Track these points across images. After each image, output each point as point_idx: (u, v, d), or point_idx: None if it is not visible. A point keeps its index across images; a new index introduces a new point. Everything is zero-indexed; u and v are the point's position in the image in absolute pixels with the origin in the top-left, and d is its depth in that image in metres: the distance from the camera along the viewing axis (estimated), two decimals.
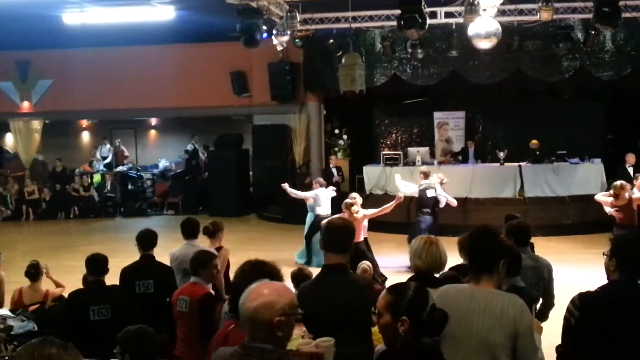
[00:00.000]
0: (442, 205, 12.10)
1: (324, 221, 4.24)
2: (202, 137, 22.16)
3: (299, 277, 6.53)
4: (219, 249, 7.40)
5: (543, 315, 5.71)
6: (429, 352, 3.09)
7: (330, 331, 3.87)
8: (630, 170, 14.47)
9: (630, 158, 14.58)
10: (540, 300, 5.68)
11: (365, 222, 10.11)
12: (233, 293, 3.99)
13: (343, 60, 12.53)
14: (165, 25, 16.61)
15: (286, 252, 13.40)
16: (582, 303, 3.77)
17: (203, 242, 7.41)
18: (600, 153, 16.96)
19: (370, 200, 16.20)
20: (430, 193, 11.93)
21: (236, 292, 3.43)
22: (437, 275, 4.48)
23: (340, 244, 4.17)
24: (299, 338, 5.26)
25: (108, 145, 22.63)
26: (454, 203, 12.28)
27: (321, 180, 13.04)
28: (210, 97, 18.91)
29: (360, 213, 9.84)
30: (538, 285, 5.57)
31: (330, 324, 3.83)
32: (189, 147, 21.73)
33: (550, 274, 5.82)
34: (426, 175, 12.12)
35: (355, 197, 10.07)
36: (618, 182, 10.41)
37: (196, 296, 5.29)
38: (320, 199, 12.38)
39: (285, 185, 12.84)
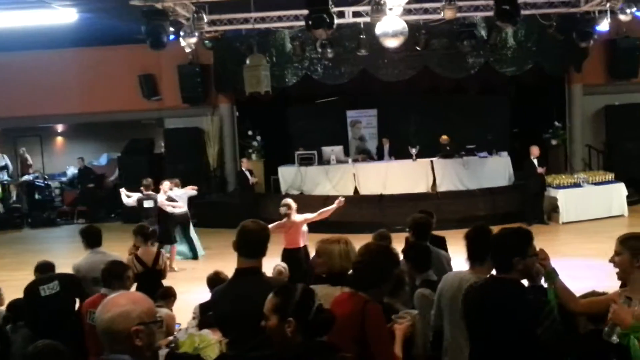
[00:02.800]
0: (173, 210, 12.79)
1: (240, 224, 4.18)
2: (111, 143, 21.62)
3: (215, 281, 6.47)
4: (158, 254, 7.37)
5: None
6: (317, 352, 3.08)
7: (244, 335, 3.85)
8: (535, 161, 15.02)
9: (535, 150, 15.11)
10: None
11: (305, 228, 9.56)
12: None
13: (247, 62, 12.45)
14: (68, 29, 16.04)
15: (202, 255, 13.28)
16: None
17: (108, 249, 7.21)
18: (507, 146, 17.51)
19: None
20: (147, 204, 12.49)
21: None
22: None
23: (253, 247, 4.14)
24: (217, 344, 5.22)
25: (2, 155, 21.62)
26: (180, 210, 13.05)
27: (176, 180, 13.73)
28: (119, 102, 18.45)
29: (301, 217, 9.43)
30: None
31: (245, 328, 3.81)
32: (72, 169, 21.20)
33: (450, 265, 6.03)
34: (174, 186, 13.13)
35: (290, 203, 9.59)
36: None
37: None
38: (174, 198, 13.08)
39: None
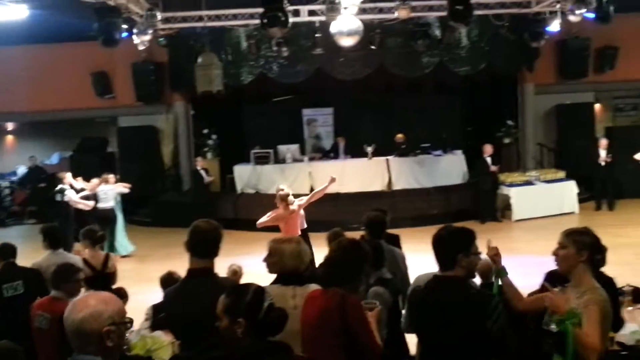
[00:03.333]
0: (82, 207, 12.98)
1: (192, 224, 4.14)
2: (64, 141, 21.22)
3: (168, 281, 6.39)
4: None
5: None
6: (267, 352, 3.08)
7: (197, 336, 3.82)
8: (488, 160, 15.22)
9: (488, 148, 15.32)
10: None
11: (302, 211, 9.41)
12: None
13: (199, 61, 12.36)
14: (19, 26, 15.68)
15: (156, 256, 13.13)
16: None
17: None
18: (461, 145, 17.73)
19: (242, 199, 16.18)
20: (57, 197, 12.86)
21: None
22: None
23: (206, 248, 4.11)
24: (169, 345, 5.16)
25: None
26: (86, 206, 13.17)
27: (108, 176, 13.78)
28: (70, 100, 18.12)
29: (295, 204, 9.23)
30: (395, 275, 5.76)
31: (197, 329, 3.78)
32: (23, 169, 20.85)
33: (404, 264, 6.07)
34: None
35: (284, 189, 9.42)
36: None
37: (58, 313, 5.01)
38: (100, 193, 13.39)
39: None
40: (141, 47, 13.60)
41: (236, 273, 7.61)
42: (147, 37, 12.98)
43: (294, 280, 4.22)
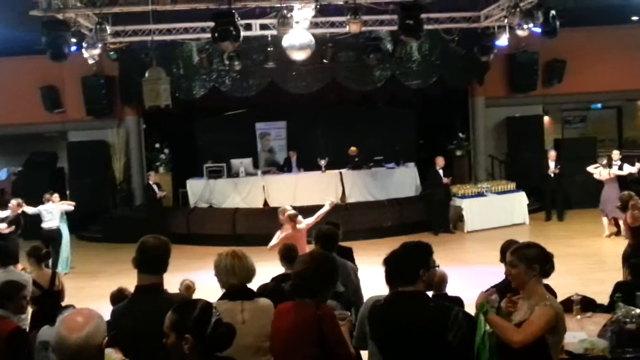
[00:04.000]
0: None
1: (140, 240, 4.07)
2: (12, 157, 20.77)
3: (118, 298, 6.27)
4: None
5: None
6: None
7: (146, 354, 3.74)
8: (441, 172, 15.38)
9: (440, 161, 15.47)
10: None
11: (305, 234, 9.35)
12: None
13: (147, 75, 12.22)
14: None
15: (107, 272, 12.92)
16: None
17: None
18: (414, 157, 17.89)
19: (195, 214, 16.03)
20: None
21: None
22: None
23: (154, 264, 4.05)
24: None
25: None
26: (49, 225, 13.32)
27: (49, 196, 13.54)
28: (18, 114, 17.75)
29: (303, 223, 9.24)
30: (347, 288, 5.77)
31: (146, 346, 3.71)
32: None
33: (356, 276, 6.07)
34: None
35: (295, 212, 9.43)
36: None
37: (3, 333, 4.88)
38: (44, 213, 13.27)
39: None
40: (91, 61, 13.40)
41: (189, 288, 7.52)
42: (97, 51, 12.80)
43: (242, 295, 4.17)
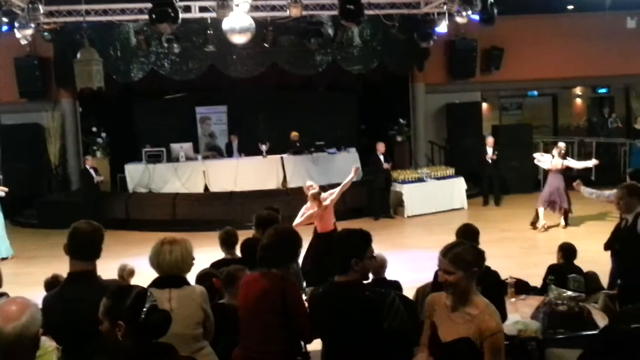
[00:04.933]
0: None
1: (72, 226, 3.97)
2: None
3: (53, 285, 6.14)
4: None
5: None
6: (147, 354, 3.03)
7: (79, 341, 3.66)
8: (381, 157, 15.46)
9: (380, 147, 15.54)
10: None
11: (332, 207, 9.19)
12: None
13: (78, 56, 11.92)
14: None
15: (42, 258, 12.60)
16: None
17: None
18: (355, 142, 17.96)
19: (134, 199, 15.76)
20: None
21: None
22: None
23: (86, 250, 3.95)
24: (54, 351, 4.93)
25: None
26: None
27: None
28: None
29: (328, 199, 9.02)
30: None
31: (78, 334, 3.64)
32: None
33: (297, 261, 6.08)
34: None
35: (312, 184, 9.31)
36: None
37: None
38: None
39: None
40: (24, 42, 12.99)
41: (133, 273, 7.47)
42: (30, 32, 12.40)
43: (170, 283, 4.12)
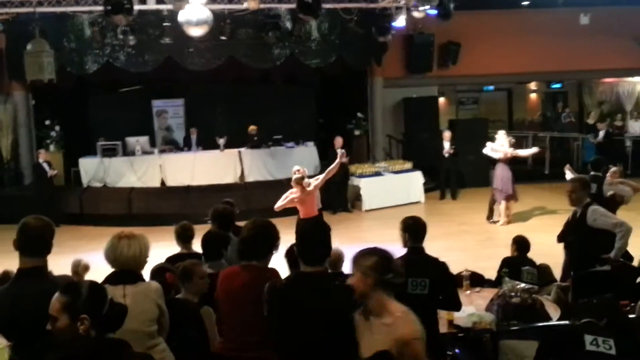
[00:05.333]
0: None
1: (21, 221, 3.89)
2: None
3: (3, 282, 6.00)
4: None
5: None
6: (110, 348, 3.00)
7: (28, 338, 3.59)
8: (339, 152, 15.41)
9: (338, 141, 15.54)
10: None
11: (317, 192, 9.43)
12: None
13: (28, 47, 11.68)
14: None
15: None
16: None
17: None
18: (313, 136, 17.95)
19: (89, 194, 15.53)
20: None
21: None
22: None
23: (36, 246, 3.87)
24: (5, 348, 4.82)
25: None
26: None
27: None
28: None
29: (312, 185, 9.25)
30: None
31: (28, 331, 3.57)
32: None
33: None
34: None
35: (300, 169, 9.41)
36: None
37: None
38: None
39: None
40: None
41: (88, 269, 7.37)
42: None
43: (124, 278, 4.06)
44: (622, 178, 9.81)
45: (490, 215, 13.60)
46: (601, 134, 18.93)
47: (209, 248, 5.47)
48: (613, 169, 9.70)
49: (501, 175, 13.18)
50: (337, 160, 9.87)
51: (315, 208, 9.29)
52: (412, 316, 3.44)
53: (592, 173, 9.66)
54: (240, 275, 4.27)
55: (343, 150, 10.68)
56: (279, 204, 9.17)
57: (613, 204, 8.84)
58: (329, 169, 9.69)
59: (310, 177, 9.76)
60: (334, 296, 3.77)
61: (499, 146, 13.35)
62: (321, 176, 9.54)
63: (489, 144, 13.68)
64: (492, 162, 13.71)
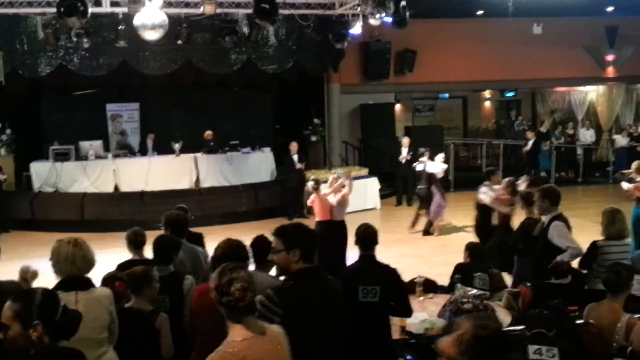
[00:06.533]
0: None
1: None
2: None
3: None
4: None
5: None
6: (68, 357, 2.98)
7: None
8: (295, 157, 15.47)
9: (294, 146, 15.55)
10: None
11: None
12: None
13: None
14: None
15: None
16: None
17: None
18: (270, 142, 17.91)
19: (40, 199, 15.23)
20: None
21: None
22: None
23: None
24: None
25: None
26: None
27: None
28: None
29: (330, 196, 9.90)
30: (197, 274, 5.70)
31: None
32: None
33: (207, 262, 6.02)
34: None
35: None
36: None
37: None
38: None
39: None
40: None
41: (36, 275, 7.17)
42: None
43: (76, 285, 3.99)
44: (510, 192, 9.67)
45: (414, 225, 13.58)
46: (530, 143, 19.10)
47: (160, 252, 5.40)
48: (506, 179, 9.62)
49: (439, 202, 13.05)
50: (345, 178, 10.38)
51: (327, 213, 9.85)
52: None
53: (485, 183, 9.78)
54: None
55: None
56: (326, 191, 9.98)
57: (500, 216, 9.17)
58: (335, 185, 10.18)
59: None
60: (336, 289, 3.95)
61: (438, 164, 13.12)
62: (334, 186, 10.09)
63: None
64: (429, 181, 13.29)
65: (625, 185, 10.16)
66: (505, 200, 9.08)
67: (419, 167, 13.53)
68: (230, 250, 4.42)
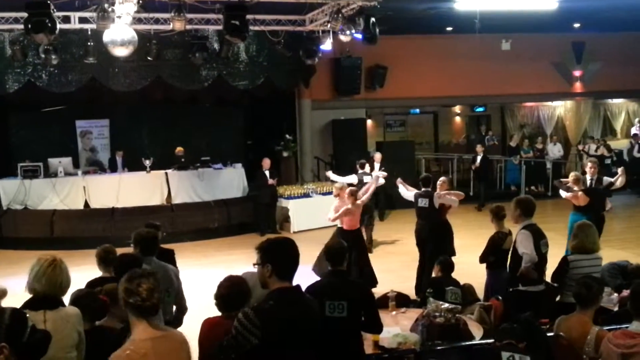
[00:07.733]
0: None
1: None
2: None
3: None
4: None
5: (178, 320, 5.81)
6: None
7: None
8: (267, 173, 15.44)
9: (266, 162, 15.54)
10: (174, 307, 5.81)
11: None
12: None
13: None
14: None
15: None
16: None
17: None
18: (241, 158, 17.88)
19: (8, 216, 15.01)
20: None
21: None
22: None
23: None
24: None
25: None
26: None
27: None
28: None
29: (363, 197, 10.06)
30: (169, 292, 5.64)
31: None
32: None
33: (178, 279, 5.96)
34: None
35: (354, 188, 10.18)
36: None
37: None
38: None
39: None
40: None
41: (5, 294, 7.03)
42: None
43: (45, 304, 3.93)
44: (449, 189, 10.25)
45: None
46: (478, 158, 19.04)
47: (122, 270, 5.34)
48: (441, 179, 10.11)
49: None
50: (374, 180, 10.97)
51: (358, 221, 9.94)
52: None
53: (423, 189, 10.06)
54: (223, 324, 4.27)
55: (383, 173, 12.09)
56: (333, 216, 9.85)
57: (444, 210, 9.95)
58: (369, 185, 10.76)
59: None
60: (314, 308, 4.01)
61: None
62: (366, 195, 10.26)
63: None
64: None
65: (563, 194, 10.61)
66: None
67: (366, 178, 13.47)
68: (234, 289, 4.49)
